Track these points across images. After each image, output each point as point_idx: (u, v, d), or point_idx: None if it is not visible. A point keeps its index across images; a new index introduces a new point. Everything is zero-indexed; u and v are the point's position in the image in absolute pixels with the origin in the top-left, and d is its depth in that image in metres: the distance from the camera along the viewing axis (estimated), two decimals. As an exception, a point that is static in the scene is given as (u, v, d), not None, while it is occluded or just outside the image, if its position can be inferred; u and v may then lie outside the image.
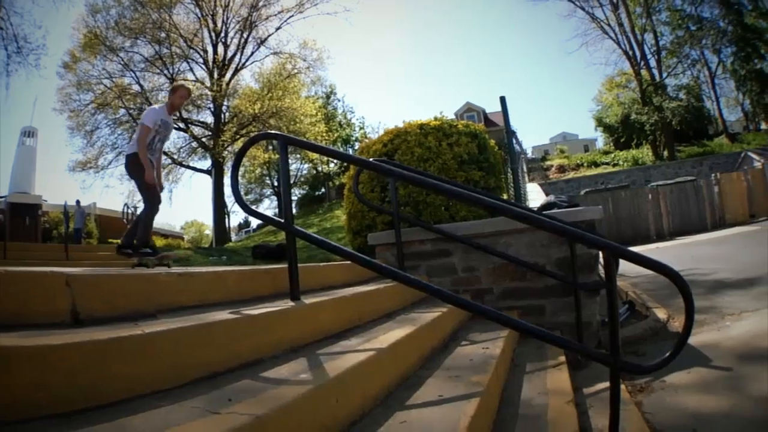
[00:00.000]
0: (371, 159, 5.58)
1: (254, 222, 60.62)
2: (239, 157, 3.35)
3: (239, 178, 3.49)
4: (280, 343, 2.33)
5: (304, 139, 3.69)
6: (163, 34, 33.63)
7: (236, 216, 62.58)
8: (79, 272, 1.94)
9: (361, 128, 58.76)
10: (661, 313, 6.33)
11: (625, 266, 2.43)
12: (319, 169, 54.62)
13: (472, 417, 1.96)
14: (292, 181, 54.42)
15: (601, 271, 5.88)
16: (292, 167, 53.45)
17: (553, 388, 3.00)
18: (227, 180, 41.16)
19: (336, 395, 1.85)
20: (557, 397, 2.79)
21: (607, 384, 3.46)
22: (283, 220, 3.07)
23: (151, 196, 6.83)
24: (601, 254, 2.58)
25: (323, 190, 57.29)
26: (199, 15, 35.43)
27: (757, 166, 26.86)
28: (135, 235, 7.03)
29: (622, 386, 3.18)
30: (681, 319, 5.90)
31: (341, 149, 44.08)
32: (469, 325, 4.51)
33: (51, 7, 49.73)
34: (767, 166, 25.70)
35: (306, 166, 53.96)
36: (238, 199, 3.20)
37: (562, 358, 3.69)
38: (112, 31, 32.88)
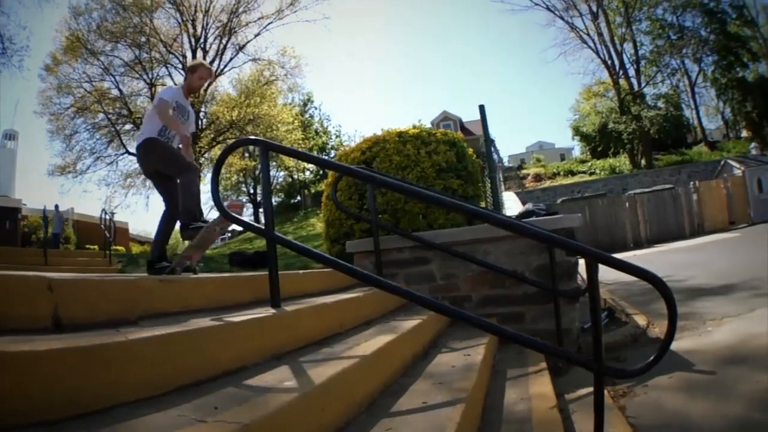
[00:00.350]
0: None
1: (230, 229, 59.54)
2: (219, 162, 3.33)
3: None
4: (262, 350, 2.32)
5: (286, 146, 3.68)
6: (143, 39, 33.62)
7: None
8: (62, 277, 1.91)
9: (337, 136, 58.93)
10: (640, 320, 6.40)
11: (601, 274, 2.45)
12: (295, 176, 54.58)
13: (458, 423, 1.97)
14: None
15: (580, 278, 5.94)
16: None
17: (535, 393, 3.02)
18: (204, 187, 41.18)
19: (321, 403, 1.85)
20: (540, 403, 2.81)
21: (588, 389, 3.51)
22: (263, 227, 3.06)
23: (184, 165, 5.57)
24: (583, 261, 2.61)
25: (299, 198, 57.17)
26: (180, 20, 35.41)
27: (737, 174, 27.35)
28: (162, 248, 5.93)
29: (605, 391, 3.20)
30: (661, 325, 5.98)
31: (317, 157, 44.47)
32: (448, 332, 4.53)
33: (36, 8, 49.29)
34: (748, 173, 26.18)
35: (282, 173, 53.96)
36: (218, 205, 3.18)
37: (543, 365, 3.72)
38: (93, 34, 32.84)
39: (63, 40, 32.87)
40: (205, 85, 6.31)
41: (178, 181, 5.58)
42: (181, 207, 5.46)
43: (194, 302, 2.58)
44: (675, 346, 4.97)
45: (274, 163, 46.79)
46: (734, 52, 43.06)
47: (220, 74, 36.94)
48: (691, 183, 26.26)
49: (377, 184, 5.06)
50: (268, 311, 2.68)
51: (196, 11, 35.64)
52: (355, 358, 2.35)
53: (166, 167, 5.64)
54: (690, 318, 6.10)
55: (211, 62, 35.80)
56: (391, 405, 2.31)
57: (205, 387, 1.84)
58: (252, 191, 54.67)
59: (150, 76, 34.74)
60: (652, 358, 2.25)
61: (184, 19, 35.42)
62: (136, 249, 34.04)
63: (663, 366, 4.19)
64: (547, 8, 45.43)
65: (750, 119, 41.86)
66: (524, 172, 46.94)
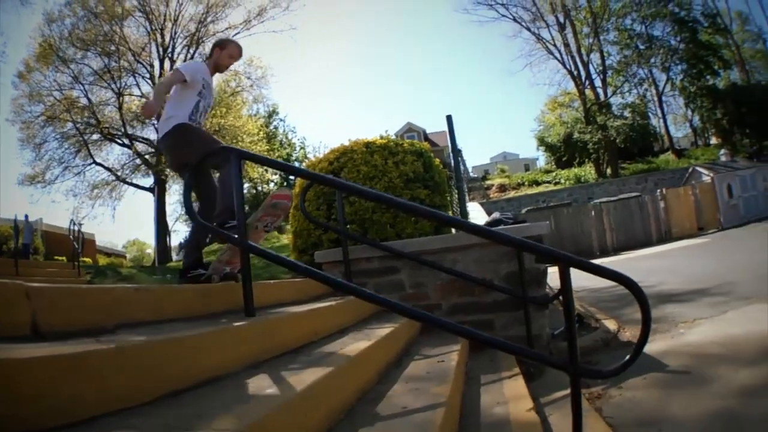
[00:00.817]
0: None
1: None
2: (192, 172, 3.34)
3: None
4: (241, 358, 2.34)
5: (258, 154, 3.70)
6: (112, 47, 33.94)
7: (177, 235, 61.72)
8: (39, 285, 1.90)
9: (302, 148, 58.91)
10: (611, 324, 6.54)
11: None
12: (259, 188, 54.24)
13: (439, 427, 2.01)
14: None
15: (550, 285, 6.03)
16: None
17: (511, 397, 3.08)
18: (169, 198, 41.18)
19: (304, 409, 1.88)
20: (517, 406, 2.87)
21: (563, 392, 3.58)
22: (237, 236, 3.07)
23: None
24: (552, 269, 2.67)
25: (263, 210, 57.05)
26: (149, 29, 35.79)
27: (706, 181, 28.11)
28: (198, 253, 5.00)
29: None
30: (632, 329, 6.13)
31: (283, 169, 44.76)
32: (420, 340, 4.59)
33: (13, 14, 48.80)
34: (717, 179, 26.86)
35: (246, 185, 53.75)
36: (191, 214, 3.19)
37: (517, 370, 3.79)
38: (65, 41, 33.09)
39: (36, 46, 33.16)
40: (233, 64, 5.70)
41: (217, 174, 4.83)
42: (220, 206, 4.57)
43: (169, 311, 2.58)
44: (647, 348, 5.07)
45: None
46: (705, 60, 43.92)
47: None
48: (658, 191, 26.83)
49: (348, 192, 5.09)
50: (243, 320, 2.70)
51: (165, 20, 36.04)
52: (333, 365, 2.37)
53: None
54: (662, 322, 6.25)
55: None
56: (370, 411, 2.34)
57: (188, 395, 1.84)
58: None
59: (118, 85, 34.94)
60: (627, 357, 2.31)
61: (153, 28, 35.80)
62: (102, 261, 33.91)
63: (636, 368, 4.29)
64: (514, 20, 46.44)
65: (720, 126, 42.69)
66: (489, 182, 47.35)
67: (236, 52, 5.32)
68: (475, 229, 2.95)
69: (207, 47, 36.81)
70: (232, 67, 6.92)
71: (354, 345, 2.98)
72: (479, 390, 3.38)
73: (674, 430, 3.17)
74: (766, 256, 11.31)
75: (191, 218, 3.25)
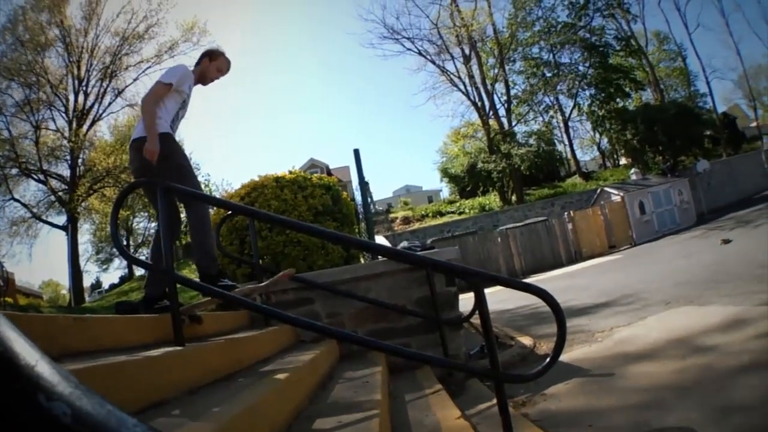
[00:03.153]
0: (229, 213, 5.76)
1: (106, 282, 60.25)
2: (118, 204, 3.43)
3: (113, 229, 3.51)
4: (179, 384, 2.43)
5: (183, 187, 3.79)
6: (33, 78, 33.85)
7: (88, 276, 59.64)
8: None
9: (206, 186, 58.11)
10: (526, 341, 6.84)
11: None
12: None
13: (378, 432, 2.18)
14: (140, 241, 53.49)
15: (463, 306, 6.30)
16: (140, 226, 54.62)
17: (438, 409, 3.27)
18: (81, 238, 40.07)
19: (249, 426, 2.00)
20: (446, 416, 3.05)
21: (487, 404, 3.80)
22: (165, 267, 3.17)
23: (198, 186, 4.60)
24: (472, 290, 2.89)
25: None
26: (67, 60, 35.92)
27: (615, 200, 29.37)
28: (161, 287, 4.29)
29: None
30: (547, 343, 6.46)
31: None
32: (341, 365, 4.74)
33: None
34: (628, 198, 28.19)
35: (153, 224, 52.86)
36: (118, 246, 3.28)
37: (439, 386, 3.99)
38: None
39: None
40: (219, 78, 5.05)
41: (187, 209, 4.45)
42: (200, 252, 4.32)
43: (106, 341, 2.64)
44: (568, 357, 5.44)
45: (145, 213, 46.48)
46: (615, 83, 45.80)
47: (99, 119, 38.14)
48: (566, 213, 27.89)
49: (270, 222, 5.21)
50: (176, 349, 2.80)
51: (82, 51, 36.28)
52: (267, 388, 2.49)
53: (175, 178, 4.07)
54: (579, 333, 6.60)
55: (91, 107, 36.95)
56: (308, 428, 2.48)
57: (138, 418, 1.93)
58: (126, 242, 53.05)
59: (36, 118, 34.90)
60: (548, 359, 2.54)
61: (72, 59, 35.91)
62: (23, 301, 32.45)
63: (558, 375, 4.61)
64: (420, 53, 46.72)
65: (630, 146, 44.17)
66: (392, 215, 47.51)
67: (225, 66, 5.05)
68: (390, 252, 3.16)
69: (119, 81, 38.02)
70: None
71: (281, 370, 3.10)
72: (405, 407, 3.55)
73: (605, 424, 3.41)
74: (681, 264, 12.08)
75: (120, 253, 3.32)
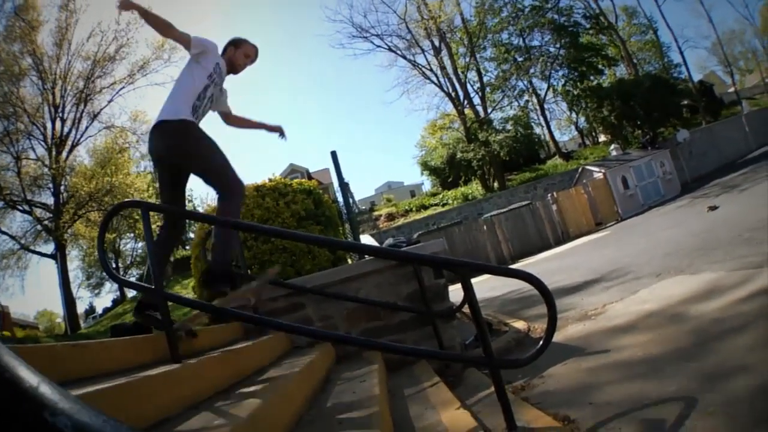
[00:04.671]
0: (212, 227, 5.81)
1: (99, 307, 60.72)
2: (104, 226, 3.46)
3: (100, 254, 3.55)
4: (180, 400, 2.49)
5: (163, 205, 3.84)
6: (11, 109, 33.74)
7: (81, 302, 59.60)
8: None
9: (189, 201, 58.07)
10: (520, 325, 6.90)
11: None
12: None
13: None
14: (128, 262, 53.58)
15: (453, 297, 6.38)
16: (127, 247, 55.37)
17: (438, 401, 3.35)
18: (70, 264, 40.03)
19: (255, 433, 2.08)
20: (446, 408, 3.13)
21: (486, 392, 3.86)
22: (153, 287, 3.23)
23: (225, 175, 4.01)
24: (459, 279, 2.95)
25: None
26: (42, 88, 35.90)
27: (597, 177, 29.57)
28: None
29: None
30: (541, 325, 6.49)
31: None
32: (337, 368, 4.78)
33: None
34: (610, 174, 28.42)
35: (140, 244, 52.93)
36: (107, 270, 3.31)
37: (437, 379, 4.06)
38: None
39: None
40: (248, 65, 4.67)
41: (217, 196, 4.08)
42: (216, 246, 4.06)
43: (105, 365, 2.69)
44: (563, 337, 5.50)
45: (131, 234, 46.67)
46: (587, 61, 46.15)
47: (77, 144, 38.02)
48: (549, 195, 28.11)
49: (258, 233, 5.25)
50: (173, 366, 2.85)
51: (56, 78, 36.25)
52: (267, 396, 2.55)
53: (199, 168, 4.02)
54: (572, 311, 6.65)
55: (68, 133, 37.38)
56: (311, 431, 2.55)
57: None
58: (115, 265, 52.88)
59: (16, 149, 34.84)
60: (541, 343, 2.61)
61: (46, 86, 35.88)
62: (20, 333, 32.36)
63: (554, 356, 4.68)
64: (389, 49, 46.91)
65: (607, 123, 44.44)
66: (376, 213, 47.41)
67: (252, 52, 4.72)
68: (375, 250, 3.22)
69: (94, 104, 38.13)
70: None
71: (279, 377, 3.18)
72: (405, 402, 3.63)
73: (605, 400, 3.44)
74: (670, 235, 12.16)
75: (109, 275, 3.37)
